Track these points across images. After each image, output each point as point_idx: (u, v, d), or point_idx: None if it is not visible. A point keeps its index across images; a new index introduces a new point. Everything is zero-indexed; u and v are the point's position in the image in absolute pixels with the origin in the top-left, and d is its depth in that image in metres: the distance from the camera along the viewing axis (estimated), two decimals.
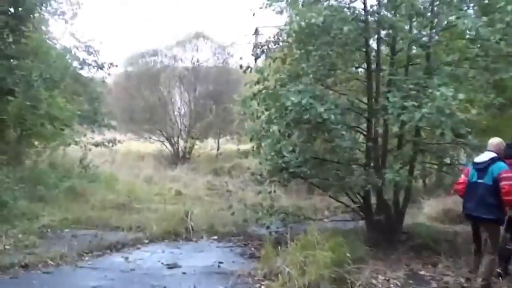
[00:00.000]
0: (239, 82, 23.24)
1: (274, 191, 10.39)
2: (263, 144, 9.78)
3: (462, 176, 7.74)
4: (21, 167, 13.24)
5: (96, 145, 18.02)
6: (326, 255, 7.12)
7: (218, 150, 26.71)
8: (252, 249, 9.62)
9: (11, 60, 12.19)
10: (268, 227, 9.86)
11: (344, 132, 8.59)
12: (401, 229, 10.18)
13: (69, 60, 15.69)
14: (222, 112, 24.97)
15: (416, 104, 7.99)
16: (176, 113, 26.31)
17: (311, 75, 9.09)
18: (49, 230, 10.54)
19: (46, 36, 14.96)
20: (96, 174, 17.09)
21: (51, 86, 13.27)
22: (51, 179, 14.10)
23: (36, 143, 15.40)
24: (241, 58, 11.20)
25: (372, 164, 9.64)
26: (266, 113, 9.98)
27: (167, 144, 25.78)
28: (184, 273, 7.87)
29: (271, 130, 9.73)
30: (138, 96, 25.62)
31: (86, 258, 8.55)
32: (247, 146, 11.05)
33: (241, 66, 10.31)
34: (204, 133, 25.84)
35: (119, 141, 18.85)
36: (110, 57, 33.91)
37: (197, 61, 26.09)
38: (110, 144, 18.51)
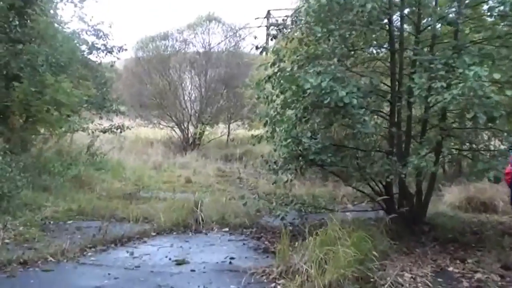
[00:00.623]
0: (250, 66, 22.81)
1: (291, 180, 9.71)
2: (277, 129, 9.12)
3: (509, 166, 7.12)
4: (25, 154, 12.66)
5: (104, 131, 17.54)
6: (348, 252, 6.48)
7: (228, 135, 26.11)
8: (266, 242, 8.96)
9: (17, 44, 11.54)
10: (283, 219, 9.21)
11: (366, 117, 7.89)
12: (424, 220, 9.53)
13: (77, 44, 15.08)
14: (233, 96, 24.41)
15: (444, 85, 7.36)
16: (186, 98, 25.74)
17: (333, 56, 8.39)
18: (52, 222, 10.00)
19: (54, 20, 14.24)
20: (104, 162, 16.61)
21: (57, 71, 12.66)
22: (57, 167, 13.56)
23: (42, 130, 14.87)
24: (255, 38, 10.49)
25: (395, 151, 8.95)
26: (282, 96, 9.35)
27: (177, 130, 25.23)
28: (193, 270, 7.22)
29: (286, 114, 9.10)
30: (148, 81, 25.19)
31: (89, 254, 7.93)
32: (259, 132, 10.40)
33: (256, 47, 9.65)
34: (215, 119, 25.32)
35: (127, 127, 18.24)
36: (120, 41, 33.23)
37: (208, 45, 25.53)
38: (118, 130, 17.96)
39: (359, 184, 9.80)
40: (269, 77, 9.50)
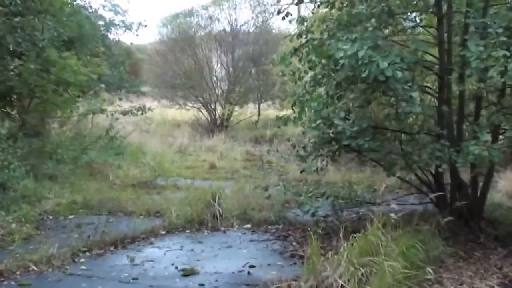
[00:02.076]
0: (280, 42, 21.44)
1: (321, 169, 8.24)
2: (306, 109, 7.72)
3: None
4: (27, 140, 11.48)
5: (124, 113, 16.35)
6: (395, 265, 5.10)
7: (258, 116, 24.74)
8: (294, 243, 7.54)
9: (13, 18, 10.28)
10: (313, 215, 7.83)
11: (413, 94, 6.39)
12: (482, 215, 8.04)
13: (88, 19, 13.78)
14: (263, 75, 23.05)
15: (507, 53, 5.99)
16: (213, 77, 24.36)
17: (372, 20, 6.88)
18: (51, 217, 8.87)
19: None
20: (122, 146, 15.41)
21: (62, 47, 11.40)
22: (69, 152, 12.44)
23: (58, 112, 13.76)
24: (278, 1, 8.92)
25: (445, 134, 7.45)
26: (311, 72, 7.96)
27: (204, 111, 23.93)
28: (201, 285, 5.84)
29: (316, 92, 7.69)
30: (173, 61, 23.87)
31: (82, 260, 6.64)
32: (286, 112, 9.02)
33: (278, 12, 8.23)
34: (244, 98, 24.00)
35: (149, 109, 17.02)
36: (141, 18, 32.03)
37: (235, 21, 24.06)
38: (139, 112, 16.74)
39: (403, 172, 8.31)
40: (295, 49, 8.15)
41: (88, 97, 15.34)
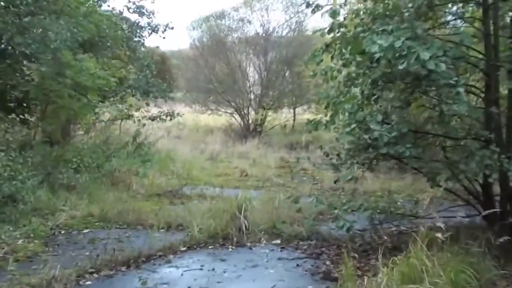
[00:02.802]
0: (313, 42, 20.75)
1: (357, 179, 7.37)
2: (340, 112, 6.90)
3: None
4: (44, 148, 10.93)
5: (152, 118, 15.91)
6: None
7: (294, 121, 23.97)
8: (328, 262, 6.66)
9: (23, 17, 9.67)
10: (348, 230, 6.99)
11: (460, 90, 5.51)
12: None
13: (111, 20, 13.15)
14: (297, 78, 22.28)
15: None
16: (245, 81, 23.69)
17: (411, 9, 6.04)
18: (63, 232, 8.18)
19: None
20: (150, 153, 14.86)
21: (78, 48, 10.77)
22: (92, 159, 11.89)
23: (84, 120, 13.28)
24: None
25: (493, 139, 6.55)
26: (345, 70, 7.17)
27: (237, 116, 23.32)
28: None
29: (351, 92, 6.89)
30: (204, 65, 23.27)
31: (88, 282, 5.94)
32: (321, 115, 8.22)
33: (308, 5, 7.44)
34: (278, 103, 23.31)
35: (178, 114, 16.50)
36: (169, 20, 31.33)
37: (267, 23, 23.34)
38: (168, 118, 16.23)
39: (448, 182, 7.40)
40: (327, 45, 7.35)
41: (114, 102, 14.82)
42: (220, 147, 19.51)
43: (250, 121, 23.08)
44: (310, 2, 7.31)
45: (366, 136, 6.28)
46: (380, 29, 5.84)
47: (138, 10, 15.10)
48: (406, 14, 6.00)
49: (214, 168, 15.72)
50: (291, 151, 19.89)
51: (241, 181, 13.51)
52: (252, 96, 23.42)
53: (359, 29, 6.62)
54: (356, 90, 6.78)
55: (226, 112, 23.56)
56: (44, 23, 9.47)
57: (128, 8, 15.11)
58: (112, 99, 14.39)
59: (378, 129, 5.96)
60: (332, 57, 7.44)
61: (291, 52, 22.83)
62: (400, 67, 5.33)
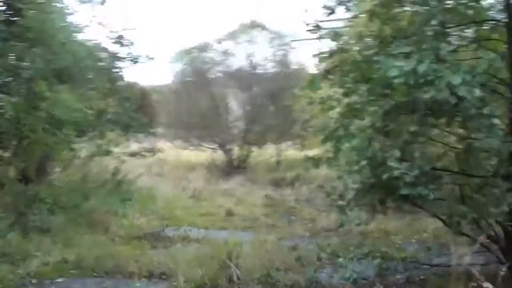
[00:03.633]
0: (301, 77, 20.29)
1: (365, 224, 6.59)
2: (343, 147, 6.15)
3: None
4: (17, 187, 10.08)
5: (132, 154, 15.04)
6: None
7: (279, 156, 23.24)
8: None
9: None
10: (355, 281, 6.18)
11: (496, 121, 4.78)
12: None
13: (90, 49, 12.37)
14: (282, 112, 21.64)
15: None
16: (229, 115, 22.99)
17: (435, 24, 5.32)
18: (34, 281, 7.29)
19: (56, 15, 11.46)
20: (130, 191, 14.01)
21: (53, 79, 9.99)
22: (69, 199, 11.07)
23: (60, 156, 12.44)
24: (306, 11, 7.31)
25: None
26: (345, 100, 6.48)
27: (220, 152, 22.54)
28: None
29: (356, 125, 6.15)
30: (186, 98, 22.67)
31: None
32: (314, 152, 7.49)
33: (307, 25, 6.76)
34: (262, 138, 22.55)
35: (159, 150, 15.68)
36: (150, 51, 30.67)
37: (252, 56, 22.71)
38: (150, 154, 15.40)
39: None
40: (327, 71, 6.66)
41: (92, 138, 14.00)
42: (203, 185, 18.61)
43: (234, 157, 22.31)
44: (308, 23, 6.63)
45: (379, 175, 5.49)
46: (398, 51, 5.11)
47: (117, 40, 14.34)
48: (429, 33, 5.27)
49: (198, 207, 14.86)
50: (277, 188, 19.04)
51: (227, 221, 12.67)
52: (236, 131, 22.68)
53: (369, 52, 5.90)
54: (365, 122, 6.04)
55: (210, 147, 22.81)
56: (17, 50, 8.69)
57: (108, 38, 14.35)
58: (89, 133, 13.55)
59: (397, 166, 5.19)
60: (331, 86, 6.77)
61: (277, 85, 22.24)
62: (426, 96, 4.59)
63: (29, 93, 9.26)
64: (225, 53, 22.90)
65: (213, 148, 22.82)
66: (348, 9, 6.74)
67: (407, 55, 4.99)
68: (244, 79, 22.74)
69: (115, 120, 13.91)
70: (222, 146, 22.50)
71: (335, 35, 6.49)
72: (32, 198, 10.10)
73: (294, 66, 23.02)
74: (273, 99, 22.28)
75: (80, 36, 12.97)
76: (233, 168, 21.86)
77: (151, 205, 13.30)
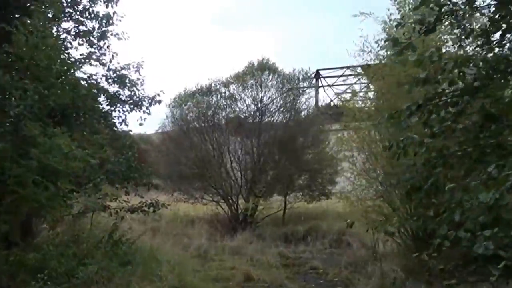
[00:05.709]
0: (312, 124, 18.89)
1: None
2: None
3: None
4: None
5: (132, 210, 13.18)
6: None
7: (285, 209, 21.54)
8: None
9: None
10: None
11: None
12: None
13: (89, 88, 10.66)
14: (293, 162, 20.03)
15: None
16: (234, 165, 21.58)
17: None
18: None
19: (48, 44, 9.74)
20: (130, 253, 12.12)
21: (48, 119, 8.21)
22: (61, 264, 9.42)
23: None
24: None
25: None
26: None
27: (224, 205, 20.97)
28: None
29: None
30: (188, 147, 21.27)
31: None
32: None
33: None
34: (270, 190, 20.81)
35: (163, 204, 13.85)
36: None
37: (260, 101, 21.24)
38: (151, 209, 13.55)
39: None
40: (419, 105, 5.12)
41: (87, 191, 12.16)
42: (206, 242, 17.19)
43: (240, 211, 20.51)
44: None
45: None
46: None
47: (118, 80, 12.62)
48: None
49: (207, 270, 13.26)
50: (288, 244, 17.69)
51: None
52: (243, 182, 20.96)
53: None
54: None
55: (212, 200, 21.03)
56: (3, 82, 6.95)
57: (107, 78, 12.63)
58: (85, 187, 11.70)
59: None
60: (425, 123, 5.18)
61: (286, 133, 20.66)
62: None
63: (17, 137, 7.44)
64: (231, 97, 21.42)
65: (216, 201, 21.13)
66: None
67: None
68: (251, 126, 21.16)
69: (115, 171, 12.10)
70: (225, 198, 20.77)
71: (433, 53, 4.86)
72: (16, 264, 8.24)
73: (304, 111, 21.57)
74: (282, 147, 20.66)
75: (77, 74, 11.39)
76: (238, 222, 20.18)
77: (156, 270, 11.42)
